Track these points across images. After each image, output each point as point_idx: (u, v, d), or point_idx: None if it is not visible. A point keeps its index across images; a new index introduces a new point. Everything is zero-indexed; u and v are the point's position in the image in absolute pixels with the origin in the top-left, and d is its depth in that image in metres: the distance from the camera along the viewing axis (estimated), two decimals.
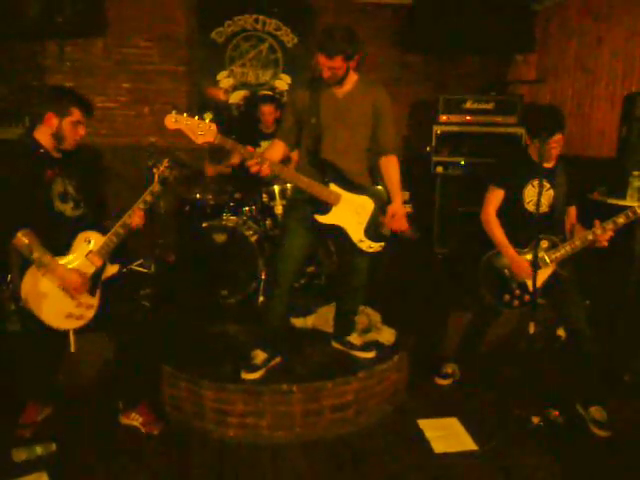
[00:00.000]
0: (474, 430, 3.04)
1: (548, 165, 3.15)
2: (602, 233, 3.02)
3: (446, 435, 3.01)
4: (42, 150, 2.70)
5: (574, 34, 5.57)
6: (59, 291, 2.69)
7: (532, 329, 2.95)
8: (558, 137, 3.05)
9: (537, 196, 2.99)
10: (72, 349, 2.80)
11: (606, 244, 3.05)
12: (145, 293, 4.28)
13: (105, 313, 2.83)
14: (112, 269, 2.89)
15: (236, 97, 5.86)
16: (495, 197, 3.23)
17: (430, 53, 6.20)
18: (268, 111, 4.74)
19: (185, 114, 2.63)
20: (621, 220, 3.01)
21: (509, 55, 6.37)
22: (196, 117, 2.64)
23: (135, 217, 2.80)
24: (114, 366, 3.02)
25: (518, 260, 3.14)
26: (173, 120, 2.63)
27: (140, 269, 4.81)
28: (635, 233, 3.76)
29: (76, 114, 2.72)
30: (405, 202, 5.11)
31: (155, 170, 2.87)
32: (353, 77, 2.91)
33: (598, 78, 5.23)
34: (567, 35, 5.67)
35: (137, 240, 3.42)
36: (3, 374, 3.23)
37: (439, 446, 2.91)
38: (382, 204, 2.99)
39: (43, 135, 2.70)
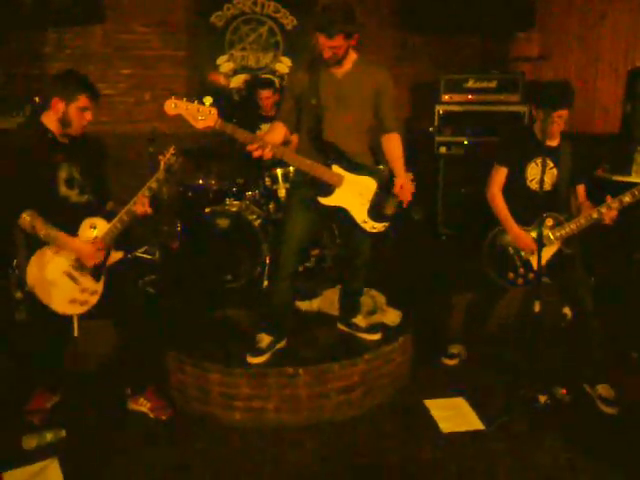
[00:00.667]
0: (481, 409, 3.04)
1: (552, 143, 3.12)
2: (607, 211, 3.00)
3: (453, 415, 3.02)
4: (49, 135, 2.71)
5: (576, 10, 5.50)
6: (64, 276, 2.71)
7: (537, 308, 2.93)
8: (562, 112, 3.01)
9: (540, 174, 2.97)
10: (75, 333, 2.82)
11: (611, 222, 3.03)
12: (150, 279, 4.28)
13: (109, 299, 2.83)
14: (117, 255, 2.90)
15: (237, 81, 5.82)
16: (499, 175, 3.22)
17: (430, 32, 6.12)
18: (266, 95, 4.72)
19: (185, 99, 2.61)
20: (627, 199, 2.98)
21: (510, 33, 6.29)
22: (196, 102, 2.61)
23: (140, 205, 2.79)
24: (120, 352, 3.04)
25: (522, 236, 3.14)
26: (173, 105, 2.61)
27: (144, 256, 4.81)
28: None
29: (82, 100, 2.71)
30: None
31: (161, 157, 2.85)
32: (352, 56, 2.87)
33: (601, 54, 5.17)
34: (569, 11, 5.60)
35: (141, 227, 3.43)
36: (11, 362, 3.26)
37: (446, 426, 2.93)
38: (385, 184, 2.97)
39: (50, 120, 2.71)
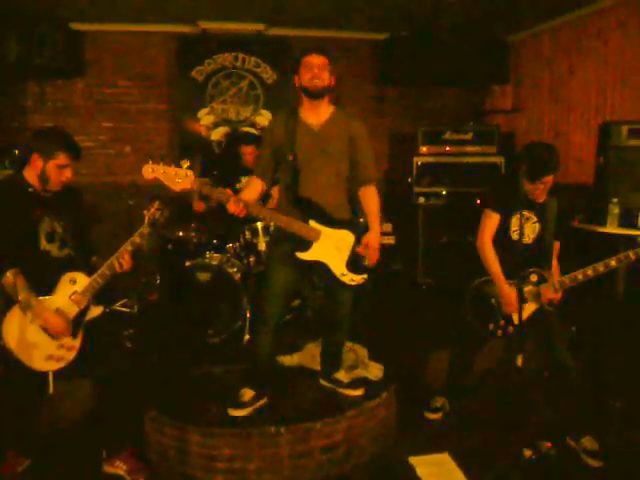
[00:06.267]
0: (466, 465, 2.99)
1: (539, 200, 3.17)
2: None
3: (439, 472, 2.95)
4: (31, 189, 2.71)
5: (547, 65, 5.70)
6: (41, 332, 2.66)
7: (520, 362, 2.92)
8: (547, 178, 3.06)
9: (519, 227, 3.00)
10: (50, 390, 2.74)
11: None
12: (128, 334, 4.21)
13: (87, 355, 2.77)
14: (96, 310, 2.85)
15: (217, 134, 5.89)
16: (491, 221, 3.21)
17: (407, 86, 6.30)
18: (249, 151, 4.74)
19: (162, 163, 2.63)
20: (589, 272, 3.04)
21: (485, 86, 6.50)
22: (173, 165, 2.64)
23: (123, 260, 2.76)
24: (97, 412, 2.95)
25: (508, 293, 3.12)
26: (150, 170, 2.63)
27: (123, 309, 4.74)
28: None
29: (61, 158, 2.71)
30: (388, 234, 5.17)
31: (145, 212, 2.84)
32: (329, 108, 2.94)
33: (573, 107, 5.34)
34: (540, 66, 5.80)
35: (120, 279, 3.39)
36: None
37: None
38: (362, 236, 2.97)
39: (31, 175, 2.72)
